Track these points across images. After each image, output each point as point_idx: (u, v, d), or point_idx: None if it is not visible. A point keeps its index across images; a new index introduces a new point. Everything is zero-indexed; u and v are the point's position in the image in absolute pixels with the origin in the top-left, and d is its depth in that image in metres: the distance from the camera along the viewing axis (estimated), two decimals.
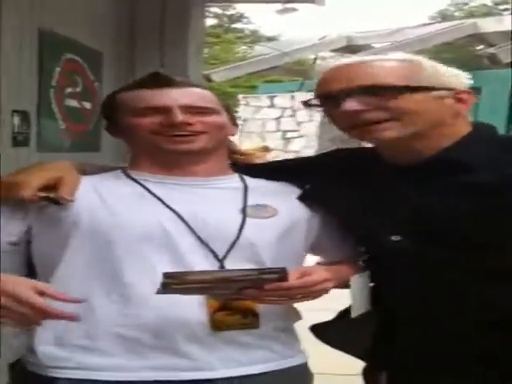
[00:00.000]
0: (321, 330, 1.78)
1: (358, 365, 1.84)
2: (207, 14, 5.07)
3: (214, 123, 1.65)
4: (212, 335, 1.54)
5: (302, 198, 1.73)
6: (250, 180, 1.74)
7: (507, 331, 1.51)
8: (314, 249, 1.79)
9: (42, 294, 1.40)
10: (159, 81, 1.67)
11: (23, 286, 1.40)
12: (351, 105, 1.48)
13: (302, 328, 1.76)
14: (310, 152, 10.62)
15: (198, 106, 1.64)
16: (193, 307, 1.52)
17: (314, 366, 1.76)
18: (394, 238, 1.57)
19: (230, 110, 1.79)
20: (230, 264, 1.56)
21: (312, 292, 1.53)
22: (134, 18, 4.27)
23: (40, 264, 1.63)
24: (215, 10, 25.62)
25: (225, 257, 1.57)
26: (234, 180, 1.73)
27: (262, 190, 1.72)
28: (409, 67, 1.54)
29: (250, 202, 1.66)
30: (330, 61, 1.64)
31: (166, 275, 1.39)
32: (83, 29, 3.79)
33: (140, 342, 1.53)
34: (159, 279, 1.41)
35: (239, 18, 29.08)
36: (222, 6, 23.93)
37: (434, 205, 1.52)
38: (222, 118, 1.70)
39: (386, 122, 1.49)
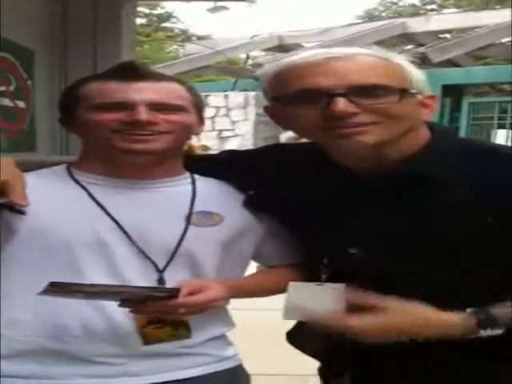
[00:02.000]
0: (292, 336, 1.79)
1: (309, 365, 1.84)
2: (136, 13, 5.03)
3: (180, 123, 1.54)
4: (142, 348, 1.51)
5: (246, 205, 1.65)
6: (199, 182, 1.66)
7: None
8: (253, 255, 1.74)
9: None
10: (127, 72, 1.54)
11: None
12: (344, 105, 1.34)
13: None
14: None
15: (165, 103, 1.52)
16: (122, 320, 1.48)
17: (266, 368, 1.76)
18: (351, 250, 1.52)
19: (201, 106, 1.66)
20: (169, 274, 1.52)
21: (197, 310, 1.48)
22: (66, 16, 4.20)
23: None
24: (143, 9, 25.42)
25: (165, 267, 1.52)
26: (184, 182, 1.65)
27: (210, 194, 1.65)
28: (398, 68, 1.43)
29: (197, 208, 1.59)
30: (303, 52, 1.45)
31: (51, 284, 1.32)
32: (15, 27, 3.71)
33: (67, 352, 1.49)
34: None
35: (168, 17, 28.94)
36: (150, 4, 23.76)
37: (394, 219, 1.47)
38: (189, 117, 1.59)
39: (370, 126, 1.37)
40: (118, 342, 1.50)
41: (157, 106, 1.51)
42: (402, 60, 1.45)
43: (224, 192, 1.67)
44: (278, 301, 1.60)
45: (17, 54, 3.73)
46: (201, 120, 1.66)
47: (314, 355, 1.78)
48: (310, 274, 1.61)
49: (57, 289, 1.34)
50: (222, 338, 1.69)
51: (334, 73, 1.37)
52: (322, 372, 1.79)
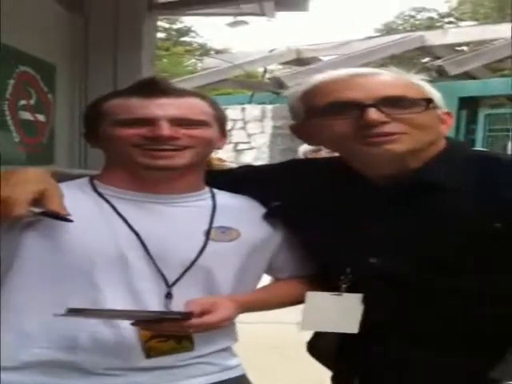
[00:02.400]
0: (310, 346, 1.84)
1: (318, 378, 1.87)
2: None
3: (201, 138, 1.56)
4: (144, 361, 1.53)
5: (267, 217, 1.69)
6: (219, 196, 1.69)
7: (482, 344, 1.54)
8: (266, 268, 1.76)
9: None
10: (149, 89, 1.56)
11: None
12: (376, 115, 1.44)
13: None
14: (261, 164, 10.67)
15: (186, 119, 1.55)
16: (127, 333, 1.50)
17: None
18: (371, 260, 1.56)
19: (223, 121, 1.69)
20: (179, 289, 1.53)
21: (208, 329, 1.51)
22: (87, 30, 4.27)
23: None
24: (162, 23, 25.60)
25: (175, 283, 1.54)
26: (204, 196, 1.67)
27: (229, 209, 1.66)
28: (417, 84, 1.55)
29: (216, 223, 1.61)
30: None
31: (70, 310, 1.36)
32: (36, 42, 3.78)
33: (74, 364, 1.51)
34: (99, 300, 1.46)
35: (187, 31, 29.11)
36: (170, 19, 23.92)
37: (409, 226, 1.52)
38: (211, 132, 1.61)
39: (399, 135, 1.46)
40: (122, 354, 1.52)
41: (178, 121, 1.53)
42: (418, 79, 1.57)
43: (242, 207, 1.70)
44: (288, 314, 1.64)
45: (38, 68, 3.80)
46: (223, 134, 1.69)
47: (327, 365, 1.81)
48: (324, 285, 1.65)
49: (75, 313, 1.38)
50: (226, 349, 1.71)
51: (361, 87, 1.48)
52: (334, 380, 1.82)
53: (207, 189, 1.70)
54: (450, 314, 1.53)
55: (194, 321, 1.44)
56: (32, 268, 1.50)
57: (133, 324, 1.43)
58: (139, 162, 1.53)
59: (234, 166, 2.94)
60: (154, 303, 1.50)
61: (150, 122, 1.51)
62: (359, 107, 1.46)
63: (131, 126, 1.52)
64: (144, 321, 1.44)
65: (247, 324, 1.75)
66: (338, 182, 1.62)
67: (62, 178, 1.62)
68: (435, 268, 1.51)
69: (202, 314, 1.46)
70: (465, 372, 1.56)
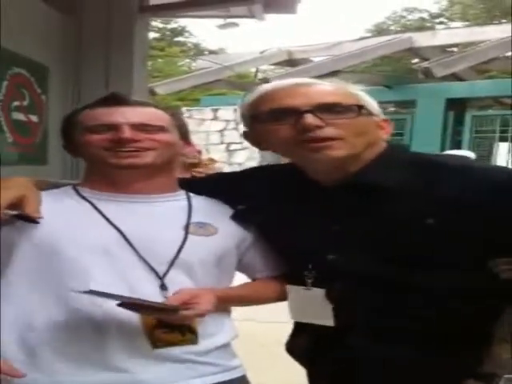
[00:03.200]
0: (288, 347, 1.91)
1: None
2: (149, 27, 5.14)
3: (161, 140, 1.70)
4: (152, 352, 1.60)
5: (234, 218, 1.80)
6: (194, 198, 1.81)
7: (451, 341, 1.61)
8: (239, 267, 1.85)
9: None
10: (113, 100, 1.72)
11: None
12: (312, 119, 1.54)
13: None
14: (254, 164, 10.72)
15: (147, 124, 1.69)
16: (131, 324, 1.57)
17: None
18: (329, 256, 1.66)
19: (184, 128, 1.83)
20: (170, 281, 1.62)
21: (187, 320, 1.61)
22: (79, 31, 4.32)
23: None
24: (157, 23, 25.59)
25: (165, 274, 1.63)
26: (179, 197, 1.80)
27: (205, 208, 1.78)
28: (353, 93, 1.66)
29: (193, 219, 1.72)
30: (273, 80, 1.69)
31: (89, 291, 1.46)
32: (29, 43, 3.83)
33: (79, 357, 1.58)
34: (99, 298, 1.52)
35: (181, 31, 29.06)
36: (164, 19, 23.90)
37: (358, 224, 1.63)
38: (171, 136, 1.74)
39: (336, 141, 1.56)
40: (128, 344, 1.59)
41: (139, 127, 1.68)
42: (356, 89, 1.68)
43: (217, 207, 1.82)
44: (280, 313, 1.72)
45: (31, 70, 3.86)
46: (186, 142, 1.84)
47: (301, 361, 1.89)
48: (295, 281, 1.75)
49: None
50: (227, 348, 1.78)
51: (301, 95, 1.61)
52: (308, 376, 1.90)
53: (182, 191, 1.83)
54: (408, 310, 1.61)
55: (182, 312, 1.54)
56: (28, 265, 1.61)
57: (118, 305, 1.50)
58: (109, 162, 1.67)
59: (225, 166, 3.03)
60: (150, 293, 1.58)
61: (114, 127, 1.67)
62: (297, 113, 1.57)
63: (98, 132, 1.68)
64: (128, 304, 1.50)
65: (238, 322, 1.83)
66: (296, 183, 1.73)
67: (49, 186, 1.78)
68: (384, 264, 1.60)
69: (187, 304, 1.55)
70: (442, 370, 1.62)
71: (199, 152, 5.38)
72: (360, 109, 1.60)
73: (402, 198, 1.58)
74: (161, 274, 1.62)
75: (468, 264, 1.56)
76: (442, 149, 11.65)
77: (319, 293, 1.69)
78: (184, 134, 1.82)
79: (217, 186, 1.90)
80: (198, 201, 1.81)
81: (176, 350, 1.63)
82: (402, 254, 1.58)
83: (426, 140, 11.34)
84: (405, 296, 1.60)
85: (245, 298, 1.84)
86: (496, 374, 1.60)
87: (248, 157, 12.54)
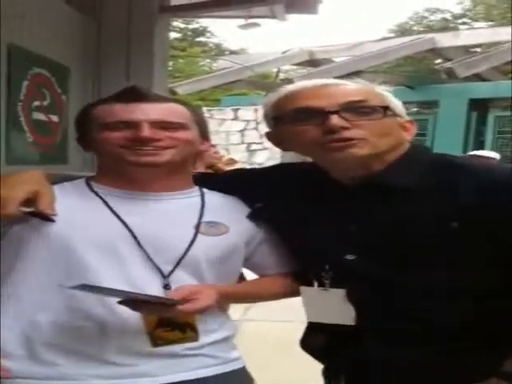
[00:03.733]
0: (303, 342, 1.88)
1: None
2: (171, 27, 5.15)
3: (181, 138, 1.66)
4: (153, 350, 1.61)
5: (251, 217, 1.78)
6: (208, 195, 1.79)
7: (454, 343, 1.59)
8: (246, 263, 1.84)
9: None
10: (132, 95, 1.66)
11: None
12: (337, 120, 1.52)
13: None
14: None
15: (166, 121, 1.64)
16: (133, 323, 1.57)
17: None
18: (348, 257, 1.63)
19: (204, 124, 1.79)
20: (174, 280, 1.61)
21: (188, 315, 1.60)
22: (100, 32, 4.34)
23: None
24: (178, 24, 25.67)
25: (170, 273, 1.62)
26: (193, 195, 1.77)
27: (218, 206, 1.75)
28: (379, 93, 1.64)
29: (205, 218, 1.70)
30: (296, 80, 1.67)
31: (82, 285, 1.45)
32: (50, 43, 3.85)
33: (81, 353, 1.58)
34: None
35: (202, 31, 29.14)
36: (186, 20, 23.99)
37: (377, 225, 1.60)
38: (191, 134, 1.70)
39: (359, 140, 1.54)
40: (129, 343, 1.59)
41: (159, 124, 1.63)
42: (381, 89, 1.66)
43: (230, 204, 1.80)
44: (292, 312, 1.69)
45: (52, 70, 3.88)
46: (204, 137, 1.79)
47: (318, 358, 1.87)
48: (308, 281, 1.73)
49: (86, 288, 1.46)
50: (226, 342, 1.77)
51: (326, 96, 1.58)
52: (324, 373, 1.87)
53: (196, 188, 1.79)
54: (424, 312, 1.59)
55: (179, 308, 1.52)
56: (36, 261, 1.59)
57: (119, 302, 1.50)
58: (127, 160, 1.63)
59: (246, 166, 3.01)
60: (153, 293, 1.56)
61: (133, 124, 1.62)
62: (322, 114, 1.55)
63: (116, 129, 1.63)
64: (131, 301, 1.50)
65: (252, 321, 1.81)
66: (315, 183, 1.71)
67: (63, 179, 1.75)
68: (402, 266, 1.58)
69: (185, 300, 1.54)
70: (453, 370, 1.60)
71: (216, 153, 5.37)
72: (385, 110, 1.58)
73: (424, 199, 1.56)
74: (166, 273, 1.62)
75: (486, 265, 1.54)
76: (465, 149, 11.58)
77: (338, 293, 1.66)
78: (203, 130, 1.78)
79: (233, 182, 1.88)
80: (212, 197, 1.78)
81: (176, 348, 1.63)
82: (420, 255, 1.56)
83: (448, 141, 11.28)
84: (420, 298, 1.58)
85: (249, 294, 1.83)
86: None
87: (268, 157, 12.53)
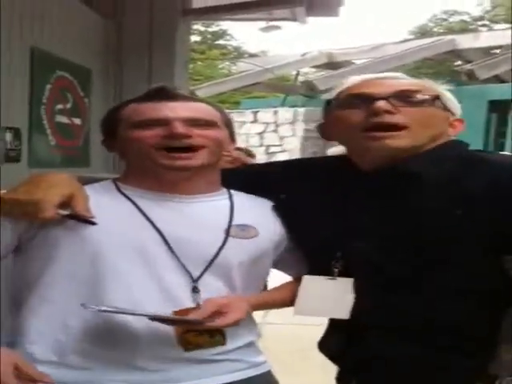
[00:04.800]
0: (321, 345, 1.86)
1: None
2: (191, 30, 5.17)
3: (213, 137, 1.64)
4: (182, 355, 1.59)
5: (275, 208, 1.77)
6: (236, 197, 1.76)
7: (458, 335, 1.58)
8: (277, 265, 1.82)
9: (18, 369, 1.47)
10: (162, 94, 1.65)
11: (3, 362, 1.46)
12: (383, 104, 1.53)
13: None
14: None
15: (198, 119, 1.62)
16: (163, 329, 1.55)
17: None
18: (358, 244, 1.62)
19: (231, 126, 1.78)
20: (203, 284, 1.60)
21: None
22: (121, 35, 4.37)
23: (25, 274, 1.64)
24: (198, 27, 25.74)
25: (199, 277, 1.60)
26: (222, 196, 1.74)
27: (246, 208, 1.72)
28: (434, 86, 1.64)
29: (235, 221, 1.67)
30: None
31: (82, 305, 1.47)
32: (73, 47, 3.88)
33: (112, 358, 1.57)
34: (133, 297, 1.52)
35: (222, 34, 29.19)
36: (206, 23, 24.04)
37: (390, 214, 1.59)
38: (222, 133, 1.68)
39: (401, 131, 1.54)
40: (159, 348, 1.58)
41: (190, 122, 1.61)
42: (438, 86, 1.65)
43: (258, 207, 1.77)
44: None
45: (75, 73, 3.90)
46: (232, 138, 1.77)
47: (334, 360, 1.85)
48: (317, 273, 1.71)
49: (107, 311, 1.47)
50: (252, 346, 1.76)
51: (380, 85, 1.60)
52: (338, 377, 1.86)
53: (224, 189, 1.76)
54: (434, 307, 1.57)
55: (208, 324, 1.53)
56: (64, 264, 1.58)
57: (150, 319, 1.50)
58: (159, 163, 1.60)
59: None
60: (182, 296, 1.57)
61: (164, 122, 1.60)
62: (371, 100, 1.56)
63: (147, 127, 1.61)
64: (161, 319, 1.51)
65: (271, 325, 1.80)
66: (332, 172, 1.71)
67: (86, 181, 1.71)
68: (416, 258, 1.56)
69: (216, 313, 1.54)
70: (457, 369, 1.60)
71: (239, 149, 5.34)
72: (434, 100, 1.58)
73: (442, 191, 1.55)
74: (195, 276, 1.60)
75: (483, 262, 1.53)
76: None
77: (345, 282, 1.64)
78: (231, 130, 1.76)
79: (252, 178, 1.86)
80: (240, 199, 1.75)
81: (205, 352, 1.61)
82: (435, 248, 1.54)
83: (468, 142, 11.18)
84: (430, 294, 1.56)
85: (277, 301, 1.81)
86: (498, 376, 1.56)
87: (287, 159, 12.52)
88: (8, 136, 3.27)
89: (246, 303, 1.62)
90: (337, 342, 1.77)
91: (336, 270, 1.66)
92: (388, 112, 1.54)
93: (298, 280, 1.79)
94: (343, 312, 1.65)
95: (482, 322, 1.57)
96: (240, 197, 1.76)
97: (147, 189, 1.66)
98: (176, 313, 1.54)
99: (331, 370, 1.88)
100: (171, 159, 1.59)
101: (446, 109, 1.61)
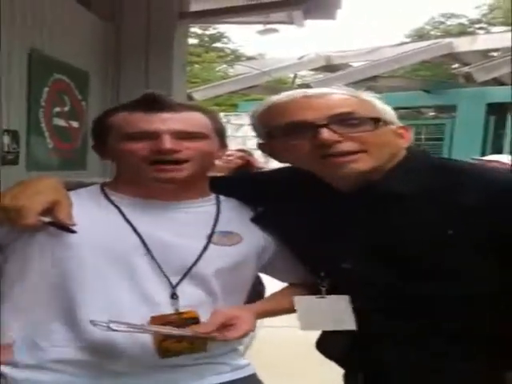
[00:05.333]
0: (320, 345, 1.88)
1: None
2: (188, 33, 5.17)
3: (201, 150, 1.65)
4: (160, 361, 1.58)
5: (255, 221, 1.77)
6: (224, 203, 1.77)
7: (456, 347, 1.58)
8: (266, 270, 1.85)
9: None
10: (152, 104, 1.65)
11: None
12: (328, 134, 1.49)
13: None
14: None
15: (187, 132, 1.63)
16: (140, 335, 1.54)
17: None
18: (343, 265, 1.62)
19: (223, 132, 1.78)
20: (181, 290, 1.60)
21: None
22: (119, 38, 4.36)
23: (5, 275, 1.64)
24: (195, 29, 25.75)
25: (178, 284, 1.61)
26: (209, 203, 1.75)
27: (233, 215, 1.74)
28: (368, 102, 1.60)
29: (219, 227, 1.69)
30: (313, 85, 1.65)
31: (92, 322, 1.46)
32: (71, 50, 3.87)
33: (91, 363, 1.58)
34: (111, 301, 1.54)
35: (219, 37, 29.19)
36: (203, 26, 24.06)
37: (375, 233, 1.59)
38: (210, 144, 1.69)
39: (357, 154, 1.52)
40: (138, 355, 1.57)
41: (180, 135, 1.62)
42: (370, 97, 1.62)
43: (245, 213, 1.79)
44: None
45: (72, 76, 3.90)
46: (223, 145, 1.78)
47: (337, 360, 1.86)
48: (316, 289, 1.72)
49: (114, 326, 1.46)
50: (235, 350, 1.78)
51: (314, 107, 1.55)
52: (345, 376, 1.87)
53: (213, 195, 1.78)
54: (426, 317, 1.58)
55: (219, 337, 1.54)
56: (46, 269, 1.59)
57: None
58: (145, 175, 1.62)
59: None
60: (161, 301, 1.58)
61: (154, 135, 1.61)
62: (312, 127, 1.51)
63: (137, 139, 1.62)
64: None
65: (270, 328, 1.80)
66: (314, 189, 1.67)
67: (75, 186, 1.73)
68: (400, 273, 1.56)
69: (224, 325, 1.55)
70: (453, 373, 1.60)
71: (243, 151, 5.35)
72: (376, 121, 1.55)
73: (422, 206, 1.54)
74: (174, 283, 1.61)
75: (488, 271, 1.52)
76: (483, 154, 11.49)
77: (337, 299, 1.66)
78: (222, 137, 1.77)
79: (240, 186, 1.87)
80: (228, 205, 1.77)
81: (185, 358, 1.62)
82: (420, 262, 1.54)
83: (466, 145, 11.20)
84: (419, 305, 1.56)
85: (278, 310, 1.82)
86: None
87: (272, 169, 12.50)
88: (6, 139, 3.27)
89: (252, 314, 1.63)
90: (337, 343, 1.77)
91: (323, 288, 1.68)
92: (337, 141, 1.51)
93: (296, 288, 1.81)
94: (349, 324, 1.65)
95: (480, 325, 1.56)
96: (229, 203, 1.78)
97: (135, 195, 1.68)
98: (154, 318, 1.54)
99: (329, 372, 1.89)
100: (158, 172, 1.61)
101: (387, 123, 1.58)
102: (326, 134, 1.50)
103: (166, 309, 1.57)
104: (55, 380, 1.58)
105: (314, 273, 1.70)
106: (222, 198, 1.78)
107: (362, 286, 1.62)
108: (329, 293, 1.67)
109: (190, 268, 1.62)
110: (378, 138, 1.54)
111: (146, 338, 1.55)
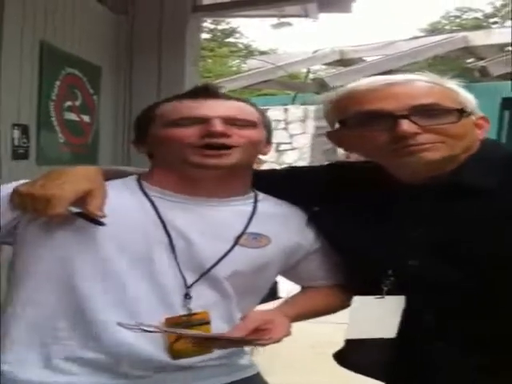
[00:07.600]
0: (341, 357, 1.80)
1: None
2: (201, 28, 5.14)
3: (250, 138, 1.61)
4: (168, 362, 1.56)
5: (308, 223, 1.71)
6: (261, 203, 1.71)
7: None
8: (289, 273, 1.80)
9: None
10: (200, 92, 1.63)
11: None
12: (408, 126, 1.43)
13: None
14: (303, 164, 10.64)
15: (237, 118, 1.59)
16: (150, 336, 1.51)
17: None
18: (411, 262, 1.54)
19: (270, 128, 1.74)
20: (196, 290, 1.57)
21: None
22: (132, 32, 4.33)
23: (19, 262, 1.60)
24: (207, 24, 25.73)
25: (193, 283, 1.57)
26: (247, 201, 1.70)
27: (267, 216, 1.69)
28: (452, 91, 1.52)
29: (250, 229, 1.64)
30: (327, 80, 1.58)
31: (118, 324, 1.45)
32: (83, 43, 3.84)
33: (98, 363, 1.54)
34: (126, 298, 1.51)
35: (232, 32, 29.16)
36: (216, 20, 24.04)
37: (446, 228, 1.51)
38: (259, 134, 1.66)
39: (435, 144, 1.45)
40: (146, 356, 1.55)
41: (229, 121, 1.58)
42: (453, 84, 1.54)
43: (281, 214, 1.72)
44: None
45: (84, 70, 3.87)
46: (268, 140, 1.73)
47: (370, 374, 1.78)
48: (359, 292, 1.63)
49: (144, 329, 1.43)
50: (241, 350, 1.74)
51: (395, 97, 1.47)
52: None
53: (252, 194, 1.72)
54: (496, 318, 1.49)
55: (259, 342, 1.50)
56: (53, 264, 1.55)
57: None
58: (190, 160, 1.57)
59: (275, 166, 2.95)
60: (175, 300, 1.55)
61: (203, 120, 1.56)
62: (391, 118, 1.45)
63: (184, 125, 1.57)
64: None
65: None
66: (377, 185, 1.60)
67: (114, 175, 1.70)
68: (473, 271, 1.48)
69: (259, 330, 1.50)
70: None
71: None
72: (461, 113, 1.47)
73: (500, 199, 1.45)
74: (189, 282, 1.57)
75: None
76: None
77: (393, 301, 1.57)
78: (268, 132, 1.72)
79: (284, 183, 1.79)
80: (264, 205, 1.71)
81: (194, 359, 1.59)
82: (493, 261, 1.45)
83: None
84: (486, 307, 1.49)
85: (310, 314, 1.78)
86: None
87: (297, 157, 12.48)
88: (16, 133, 3.24)
89: (286, 318, 1.59)
90: (371, 354, 1.68)
91: (385, 288, 1.58)
92: (415, 133, 1.43)
93: (324, 291, 1.77)
94: (390, 331, 1.58)
95: None
96: (266, 203, 1.71)
97: (171, 190, 1.62)
98: (168, 320, 1.52)
99: (339, 367, 1.85)
100: (204, 157, 1.56)
101: (469, 114, 1.50)
102: (405, 125, 1.43)
103: (179, 308, 1.54)
104: (60, 380, 1.54)
105: (376, 273, 1.60)
106: (260, 197, 1.73)
107: (428, 284, 1.53)
108: (389, 293, 1.58)
109: (209, 270, 1.58)
110: (459, 130, 1.47)
111: (158, 339, 1.52)
